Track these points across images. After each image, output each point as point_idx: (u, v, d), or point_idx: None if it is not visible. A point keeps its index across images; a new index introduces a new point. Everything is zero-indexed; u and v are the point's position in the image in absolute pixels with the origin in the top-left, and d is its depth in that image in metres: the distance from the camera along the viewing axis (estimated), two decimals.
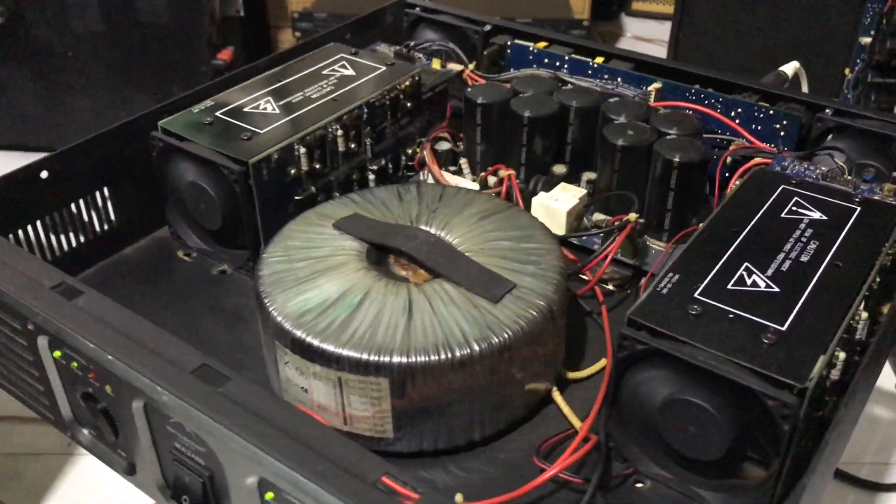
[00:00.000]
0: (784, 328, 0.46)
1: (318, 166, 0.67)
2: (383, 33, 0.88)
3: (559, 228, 0.68)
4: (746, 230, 0.54)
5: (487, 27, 0.83)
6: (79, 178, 0.65)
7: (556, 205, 0.67)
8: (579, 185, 0.71)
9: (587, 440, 0.50)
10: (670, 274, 0.51)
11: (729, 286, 0.50)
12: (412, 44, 0.82)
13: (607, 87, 0.74)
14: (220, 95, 0.70)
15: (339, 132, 0.68)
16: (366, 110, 0.70)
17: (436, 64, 0.81)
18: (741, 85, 0.72)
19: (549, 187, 0.70)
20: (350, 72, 0.74)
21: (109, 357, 0.45)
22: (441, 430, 0.51)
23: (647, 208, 0.67)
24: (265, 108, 0.68)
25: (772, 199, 0.57)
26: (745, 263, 0.51)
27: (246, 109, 0.68)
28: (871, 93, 0.87)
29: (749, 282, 0.50)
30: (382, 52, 0.82)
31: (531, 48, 0.80)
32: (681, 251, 0.53)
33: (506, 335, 0.49)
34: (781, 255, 0.52)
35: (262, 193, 0.63)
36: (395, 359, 0.48)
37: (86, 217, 0.66)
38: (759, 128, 0.70)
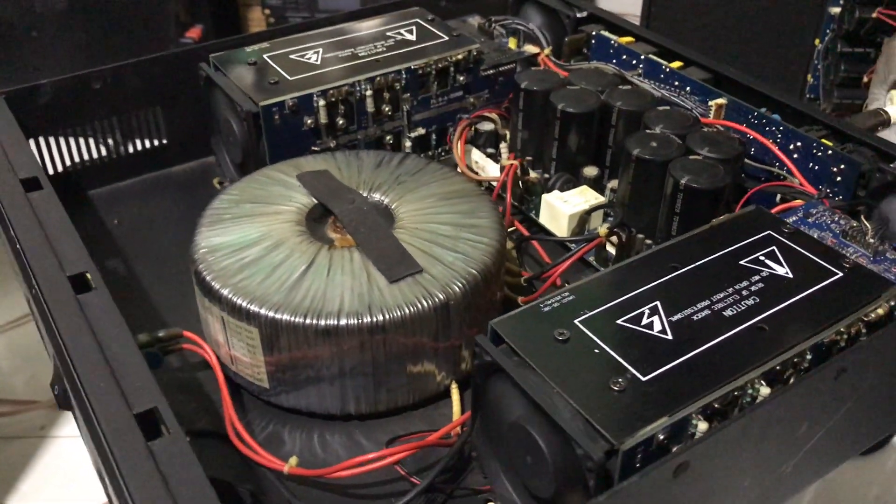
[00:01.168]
0: (644, 378, 0.41)
1: (341, 122, 0.68)
2: (488, 6, 0.86)
3: (560, 230, 0.64)
4: (688, 268, 0.48)
5: (583, 13, 0.79)
6: (131, 94, 0.71)
7: (561, 206, 0.64)
8: (605, 192, 0.66)
9: (449, 438, 0.48)
10: (565, 293, 0.46)
11: (620, 321, 0.45)
12: (493, 19, 0.80)
13: (666, 94, 0.68)
14: (279, 40, 0.73)
15: (369, 92, 0.68)
16: (405, 76, 0.70)
17: (512, 43, 0.78)
18: (812, 116, 0.63)
19: (569, 187, 0.66)
20: (412, 37, 0.74)
21: (18, 247, 0.49)
22: (312, 395, 0.51)
23: (658, 228, 0.61)
24: (309, 58, 0.70)
25: (745, 242, 0.50)
26: (656, 302, 0.46)
27: (292, 56, 0.70)
28: (840, 63, 0.84)
29: (645, 322, 0.45)
30: (468, 24, 0.80)
31: (612, 41, 0.75)
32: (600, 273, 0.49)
33: (381, 317, 0.48)
34: (704, 304, 0.46)
35: (273, 137, 0.66)
36: (265, 311, 0.48)
37: (136, 131, 0.73)
38: (817, 167, 0.61)
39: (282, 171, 0.60)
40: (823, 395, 0.43)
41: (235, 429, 0.48)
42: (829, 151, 0.60)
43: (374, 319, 0.48)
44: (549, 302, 0.46)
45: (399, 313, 0.48)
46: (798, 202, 0.59)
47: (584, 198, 0.65)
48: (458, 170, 0.67)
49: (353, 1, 0.96)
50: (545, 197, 0.65)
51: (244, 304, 0.49)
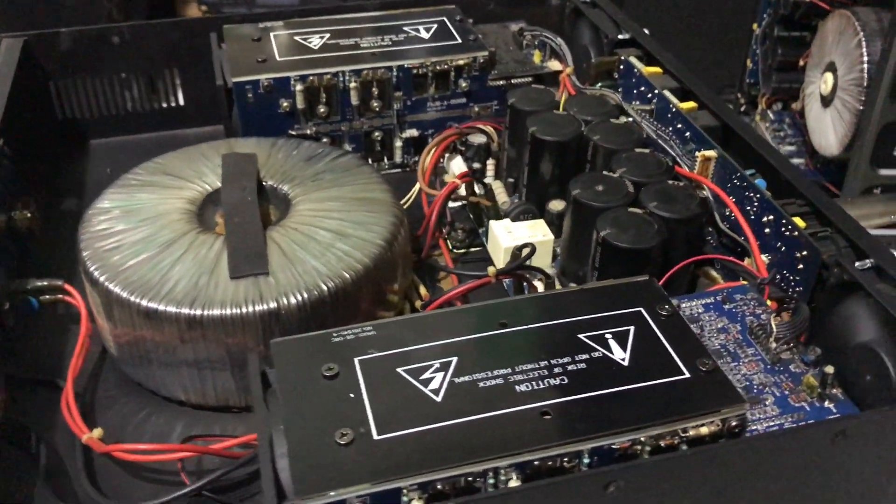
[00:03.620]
0: (376, 437, 0.37)
1: (322, 110, 0.67)
2: (542, 14, 0.81)
3: (498, 262, 0.59)
4: (516, 329, 0.43)
5: (624, 36, 0.72)
6: (149, 53, 0.74)
7: (501, 237, 0.59)
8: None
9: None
10: (367, 327, 0.43)
11: (400, 369, 0.41)
12: (524, 28, 0.75)
13: (660, 135, 0.61)
14: (295, 20, 0.73)
15: (353, 84, 0.67)
16: (397, 73, 0.67)
17: (537, 57, 0.73)
18: (800, 190, 0.54)
19: (527, 218, 0.61)
20: (425, 35, 0.71)
21: None
22: (147, 373, 0.51)
23: (585, 280, 0.55)
24: (311, 42, 0.70)
25: (605, 314, 0.44)
26: (453, 358, 0.41)
27: (296, 38, 0.70)
28: (777, 47, 0.84)
29: (425, 377, 0.40)
30: (507, 31, 0.76)
31: (635, 70, 0.68)
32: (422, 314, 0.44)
33: (200, 311, 0.47)
34: (503, 372, 0.40)
35: (246, 113, 0.66)
36: (103, 279, 0.49)
37: (152, 90, 0.75)
38: (783, 248, 0.52)
39: (216, 149, 0.60)
40: None
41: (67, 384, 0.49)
42: (796, 232, 0.51)
43: (193, 312, 0.47)
44: (345, 333, 0.43)
45: (219, 311, 0.47)
46: (732, 283, 0.51)
47: (531, 232, 0.59)
48: (418, 179, 0.64)
49: None
50: (491, 224, 0.61)
51: (91, 268, 0.50)
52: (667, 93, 0.64)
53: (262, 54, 0.68)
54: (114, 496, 0.46)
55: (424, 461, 0.36)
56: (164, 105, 0.77)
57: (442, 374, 0.40)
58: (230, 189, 0.54)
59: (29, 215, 0.59)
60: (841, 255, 0.49)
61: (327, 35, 0.71)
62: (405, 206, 0.63)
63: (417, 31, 0.72)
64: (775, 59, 0.85)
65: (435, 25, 0.72)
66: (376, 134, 0.70)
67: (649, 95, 0.66)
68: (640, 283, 0.46)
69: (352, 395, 0.39)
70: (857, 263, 0.48)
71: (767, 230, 0.53)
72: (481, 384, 0.40)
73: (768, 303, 0.49)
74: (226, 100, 0.65)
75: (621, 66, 0.70)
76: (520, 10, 0.80)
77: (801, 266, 0.50)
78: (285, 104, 0.66)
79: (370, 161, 0.71)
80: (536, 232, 0.59)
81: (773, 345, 0.44)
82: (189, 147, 0.60)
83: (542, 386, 0.40)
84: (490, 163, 0.68)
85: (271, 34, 0.71)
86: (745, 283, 0.51)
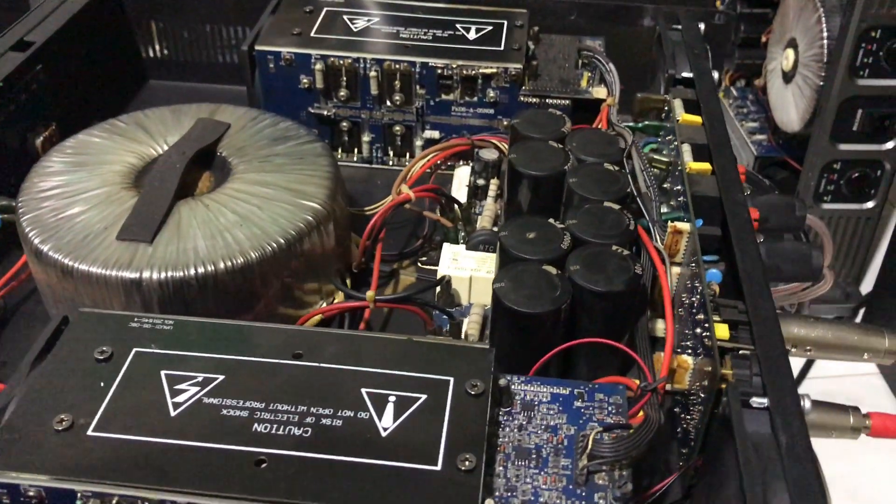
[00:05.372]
0: (90, 433, 0.36)
1: (342, 93, 0.66)
2: (635, 35, 0.74)
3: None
4: (305, 363, 0.40)
5: (687, 74, 0.63)
6: (224, 7, 0.76)
7: (444, 262, 0.55)
8: None
9: None
10: (169, 320, 0.42)
11: (164, 371, 0.39)
12: (580, 47, 0.68)
13: (651, 192, 0.53)
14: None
15: (373, 73, 0.65)
16: (420, 71, 0.64)
17: (584, 80, 0.66)
18: (743, 290, 0.45)
19: (487, 249, 0.57)
20: (472, 35, 0.67)
21: None
22: (49, 307, 0.53)
23: None
24: (355, 24, 0.68)
25: (411, 374, 0.39)
26: (220, 377, 0.39)
27: (344, 17, 0.69)
28: (740, 24, 0.84)
29: (180, 386, 0.39)
30: (578, 45, 0.69)
31: (674, 115, 0.60)
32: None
33: (73, 263, 0.48)
34: (255, 405, 0.38)
35: (268, 83, 0.66)
36: (22, 213, 0.51)
37: (227, 43, 0.78)
38: (702, 356, 0.44)
39: (198, 111, 0.60)
40: None
41: None
42: (710, 342, 0.42)
43: (67, 262, 0.48)
44: (144, 320, 0.42)
45: (86, 267, 0.48)
46: (616, 379, 0.43)
47: (476, 265, 0.55)
48: (396, 183, 0.60)
49: None
50: (444, 246, 0.57)
51: (20, 199, 0.52)
52: (685, 146, 0.56)
53: (302, 27, 0.67)
54: None
55: (110, 472, 0.35)
56: (231, 60, 0.79)
57: (197, 389, 0.38)
58: (170, 152, 0.55)
59: (41, 139, 0.64)
60: (749, 384, 0.41)
61: (375, 19, 0.69)
62: (372, 210, 0.60)
63: (467, 30, 0.68)
64: (738, 36, 0.84)
65: (489, 28, 0.68)
66: (397, 128, 0.67)
67: (673, 146, 0.58)
68: (474, 350, 0.41)
69: (102, 384, 0.38)
70: (753, 399, 0.39)
71: (698, 330, 0.45)
72: (224, 411, 0.37)
73: (640, 414, 0.41)
74: (249, 66, 0.66)
75: (666, 107, 0.62)
76: (607, 26, 0.73)
77: (705, 382, 0.42)
78: (305, 81, 0.65)
79: (391, 154, 0.69)
80: (482, 266, 0.55)
81: (584, 462, 0.37)
82: (182, 105, 0.61)
83: (280, 432, 0.37)
84: (494, 182, 0.63)
85: (324, 10, 0.70)
86: (634, 382, 0.44)
